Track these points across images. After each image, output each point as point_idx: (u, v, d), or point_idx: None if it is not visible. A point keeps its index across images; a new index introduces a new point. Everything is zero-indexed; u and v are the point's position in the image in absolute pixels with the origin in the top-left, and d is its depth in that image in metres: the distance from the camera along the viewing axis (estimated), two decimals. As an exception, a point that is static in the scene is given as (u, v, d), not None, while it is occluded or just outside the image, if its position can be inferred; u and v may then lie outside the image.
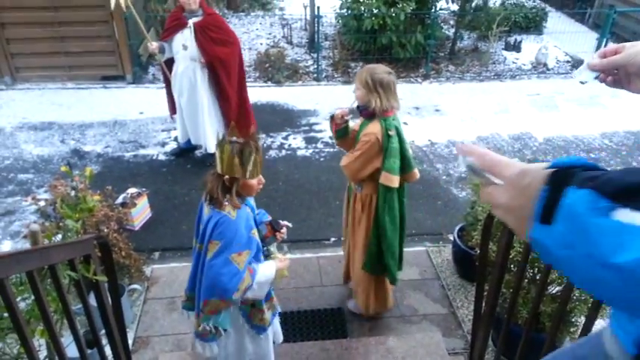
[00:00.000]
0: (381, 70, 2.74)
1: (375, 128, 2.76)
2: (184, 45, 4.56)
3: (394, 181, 2.80)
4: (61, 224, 2.91)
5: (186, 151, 5.35)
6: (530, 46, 8.43)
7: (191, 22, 4.49)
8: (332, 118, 2.97)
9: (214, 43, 4.55)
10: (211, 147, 4.95)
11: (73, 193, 3.06)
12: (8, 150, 5.50)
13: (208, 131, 4.87)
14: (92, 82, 7.02)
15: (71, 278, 1.75)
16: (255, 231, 2.19)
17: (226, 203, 2.10)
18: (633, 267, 0.56)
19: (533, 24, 9.10)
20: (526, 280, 2.62)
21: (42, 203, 3.42)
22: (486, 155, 0.79)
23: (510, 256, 2.33)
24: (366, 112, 2.80)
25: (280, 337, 2.69)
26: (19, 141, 5.67)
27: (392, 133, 2.73)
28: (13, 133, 5.81)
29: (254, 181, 2.12)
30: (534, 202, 0.66)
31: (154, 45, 4.67)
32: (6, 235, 4.29)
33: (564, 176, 0.67)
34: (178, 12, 4.59)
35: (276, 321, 2.62)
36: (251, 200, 2.29)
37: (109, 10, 6.55)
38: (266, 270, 2.21)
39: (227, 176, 2.07)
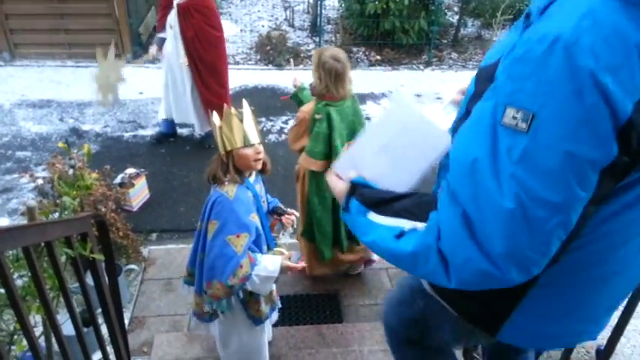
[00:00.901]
0: (331, 54, 2.80)
1: (308, 107, 2.92)
2: (170, 24, 4.55)
3: (312, 164, 2.92)
4: (58, 202, 2.89)
5: (166, 136, 5.28)
6: (535, 35, 8.36)
7: (175, 2, 4.46)
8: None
9: (198, 27, 4.48)
10: (198, 127, 5.02)
11: (70, 171, 3.05)
12: (6, 127, 5.47)
13: (193, 111, 4.87)
14: (92, 60, 6.92)
15: (68, 256, 1.74)
16: (254, 215, 2.13)
17: (227, 182, 2.08)
18: (370, 245, 1.18)
19: (538, 13, 9.00)
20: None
21: (40, 181, 3.41)
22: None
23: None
24: (312, 90, 2.95)
25: (270, 335, 2.68)
26: (18, 118, 5.63)
27: (318, 117, 2.83)
28: (12, 110, 5.77)
29: (248, 151, 2.06)
30: (342, 199, 1.29)
31: (154, 49, 4.78)
32: (3, 212, 4.28)
33: (352, 189, 1.26)
34: None
35: (274, 316, 2.60)
36: (257, 187, 2.25)
37: (109, -12, 6.48)
38: (269, 264, 2.13)
39: (223, 152, 2.07)
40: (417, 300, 1.52)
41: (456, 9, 8.94)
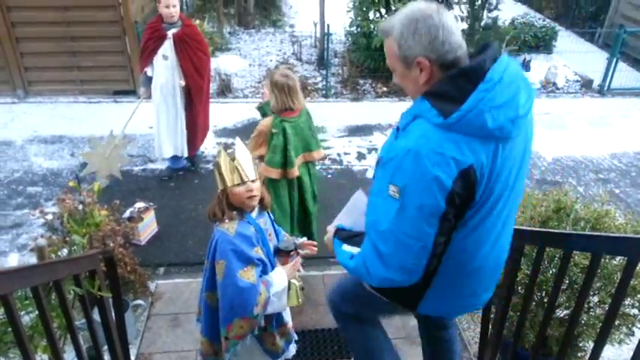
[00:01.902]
0: (279, 73, 3.27)
1: (267, 122, 3.32)
2: (165, 55, 4.63)
3: (271, 172, 3.34)
4: (67, 239, 2.91)
5: (176, 170, 5.35)
6: (540, 65, 8.43)
7: (170, 33, 4.57)
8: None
9: (192, 54, 4.66)
10: (187, 151, 5.18)
11: (80, 207, 3.08)
12: (18, 163, 5.55)
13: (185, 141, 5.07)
14: (103, 96, 7.09)
15: (76, 293, 1.75)
16: (257, 249, 2.13)
17: (227, 220, 2.10)
18: (341, 263, 1.91)
19: (542, 43, 9.11)
20: (533, 303, 2.58)
21: (49, 217, 3.44)
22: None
23: (517, 278, 2.30)
24: (272, 108, 3.35)
25: None
26: (30, 154, 5.72)
27: (275, 131, 3.26)
28: (24, 146, 5.87)
29: (240, 189, 2.10)
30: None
31: (143, 91, 4.89)
32: (13, 247, 4.31)
33: (336, 231, 2.06)
34: (157, 23, 4.61)
35: (292, 350, 2.55)
36: (260, 221, 2.26)
37: (121, 26, 6.67)
38: (277, 278, 2.17)
39: (219, 190, 2.12)
40: (361, 290, 2.11)
41: (460, 40, 9.06)
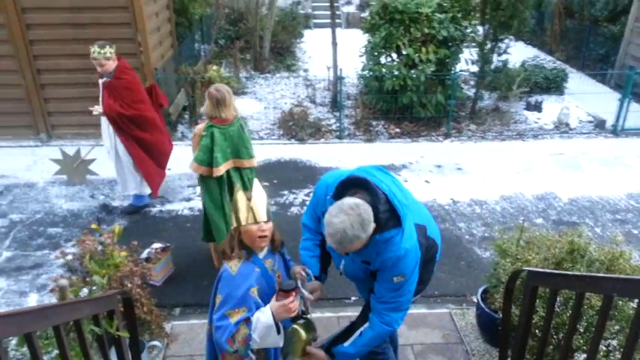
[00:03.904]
0: (214, 87, 3.97)
1: (201, 126, 4.02)
2: (100, 102, 5.00)
3: (198, 169, 3.95)
4: (87, 279, 2.97)
5: (139, 208, 5.55)
6: (552, 106, 8.51)
7: (101, 81, 4.94)
8: None
9: (114, 102, 4.89)
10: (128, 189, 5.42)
11: (100, 247, 3.15)
12: (40, 204, 5.69)
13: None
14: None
15: (94, 333, 1.79)
16: (254, 289, 2.18)
17: (233, 258, 2.17)
18: (363, 348, 2.44)
19: (554, 84, 9.21)
20: (551, 347, 2.55)
21: (69, 257, 3.51)
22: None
23: (533, 321, 2.28)
24: (205, 114, 4.01)
25: None
26: (51, 196, 5.87)
27: (204, 134, 3.91)
28: (45, 188, 6.03)
29: (252, 227, 2.18)
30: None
31: None
32: (33, 288, 4.38)
33: (328, 350, 2.44)
34: (99, 74, 4.98)
35: None
36: (267, 262, 2.30)
37: (142, 73, 6.93)
38: (261, 316, 2.14)
39: (233, 227, 2.20)
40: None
41: (472, 83, 9.21)
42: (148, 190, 5.46)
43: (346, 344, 2.39)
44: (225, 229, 4.07)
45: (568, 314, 2.45)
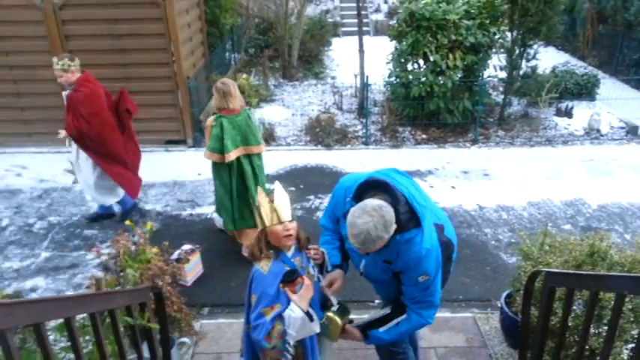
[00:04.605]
0: (220, 81, 4.38)
1: (211, 119, 4.38)
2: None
3: (211, 157, 4.37)
4: (121, 280, 3.12)
5: (101, 216, 5.65)
6: (583, 112, 8.38)
7: (64, 93, 4.99)
8: None
9: (74, 116, 4.89)
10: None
11: (133, 247, 3.30)
12: (76, 207, 5.94)
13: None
14: (157, 145, 7.55)
15: (127, 324, 1.91)
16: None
17: (263, 258, 2.27)
18: (396, 337, 2.60)
19: (585, 90, 9.07)
20: (573, 350, 2.55)
21: (104, 257, 3.68)
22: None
23: (552, 322, 2.30)
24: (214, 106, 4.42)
25: None
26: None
27: (213, 124, 4.31)
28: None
29: (278, 228, 2.27)
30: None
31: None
32: (69, 286, 4.58)
33: (364, 331, 2.57)
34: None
35: None
36: (296, 260, 2.40)
37: (174, 82, 7.17)
38: (291, 312, 2.22)
39: (259, 229, 2.30)
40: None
41: (501, 89, 9.15)
42: (114, 199, 5.50)
43: (382, 330, 2.51)
44: (232, 210, 4.54)
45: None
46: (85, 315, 1.74)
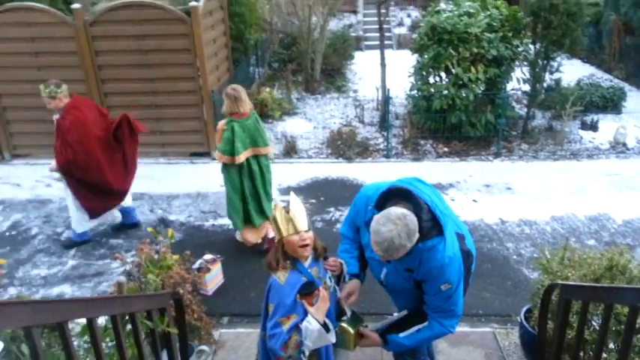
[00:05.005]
0: (231, 87, 4.73)
1: (222, 122, 4.72)
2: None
3: (222, 158, 4.65)
4: (142, 286, 3.21)
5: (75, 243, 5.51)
6: (608, 125, 8.25)
7: (54, 117, 4.98)
8: None
9: (62, 143, 4.87)
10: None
11: (156, 256, 3.39)
12: (103, 217, 6.10)
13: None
14: (181, 157, 7.72)
15: (147, 328, 1.97)
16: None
17: (280, 268, 2.31)
18: (417, 343, 2.59)
19: (611, 103, 8.93)
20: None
21: (128, 266, 3.78)
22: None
23: (569, 337, 2.28)
24: (225, 112, 4.70)
25: None
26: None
27: (225, 128, 4.62)
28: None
29: (294, 238, 2.31)
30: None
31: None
32: (94, 293, 4.70)
33: (384, 335, 2.56)
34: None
35: None
36: (313, 270, 2.44)
37: (199, 95, 7.33)
38: (309, 324, 2.25)
39: (275, 240, 2.35)
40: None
41: (525, 101, 9.08)
42: (90, 225, 5.47)
43: (402, 335, 2.50)
44: (240, 209, 4.86)
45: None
46: (106, 318, 1.81)
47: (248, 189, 4.82)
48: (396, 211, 2.15)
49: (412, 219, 2.14)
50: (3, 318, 1.10)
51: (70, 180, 5.10)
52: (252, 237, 5.05)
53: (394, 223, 2.10)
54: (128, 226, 5.79)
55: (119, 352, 1.71)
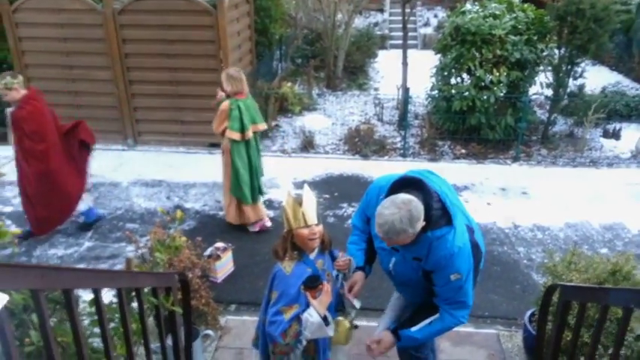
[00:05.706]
0: (233, 69, 5.12)
1: (225, 104, 4.94)
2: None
3: (233, 135, 4.95)
4: (152, 267, 3.30)
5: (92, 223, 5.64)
6: (632, 134, 8.11)
7: (8, 110, 4.90)
8: None
9: (19, 135, 4.85)
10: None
11: (167, 240, 3.49)
12: (121, 202, 6.26)
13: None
14: (200, 147, 7.84)
15: (151, 305, 2.05)
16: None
17: (286, 258, 2.37)
18: (429, 336, 2.67)
19: (635, 112, 8.77)
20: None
21: (141, 251, 3.88)
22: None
23: (568, 338, 2.29)
24: (225, 93, 4.96)
25: None
26: (132, 195, 6.43)
27: (232, 107, 4.89)
28: (128, 188, 6.61)
29: (304, 231, 2.36)
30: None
31: None
32: (109, 274, 4.83)
33: (395, 332, 2.56)
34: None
35: None
36: (318, 262, 2.49)
37: (221, 86, 7.43)
38: (309, 316, 2.33)
39: (285, 230, 2.39)
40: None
41: (547, 106, 8.97)
42: (84, 206, 5.49)
43: (414, 329, 2.50)
44: (249, 183, 5.19)
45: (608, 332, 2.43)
46: (113, 293, 1.88)
47: (254, 163, 5.19)
48: (403, 196, 2.17)
49: (417, 205, 2.15)
50: (14, 278, 1.17)
51: (32, 179, 4.98)
52: (253, 215, 5.37)
53: (398, 207, 2.13)
54: (92, 223, 5.67)
55: (123, 325, 1.79)
